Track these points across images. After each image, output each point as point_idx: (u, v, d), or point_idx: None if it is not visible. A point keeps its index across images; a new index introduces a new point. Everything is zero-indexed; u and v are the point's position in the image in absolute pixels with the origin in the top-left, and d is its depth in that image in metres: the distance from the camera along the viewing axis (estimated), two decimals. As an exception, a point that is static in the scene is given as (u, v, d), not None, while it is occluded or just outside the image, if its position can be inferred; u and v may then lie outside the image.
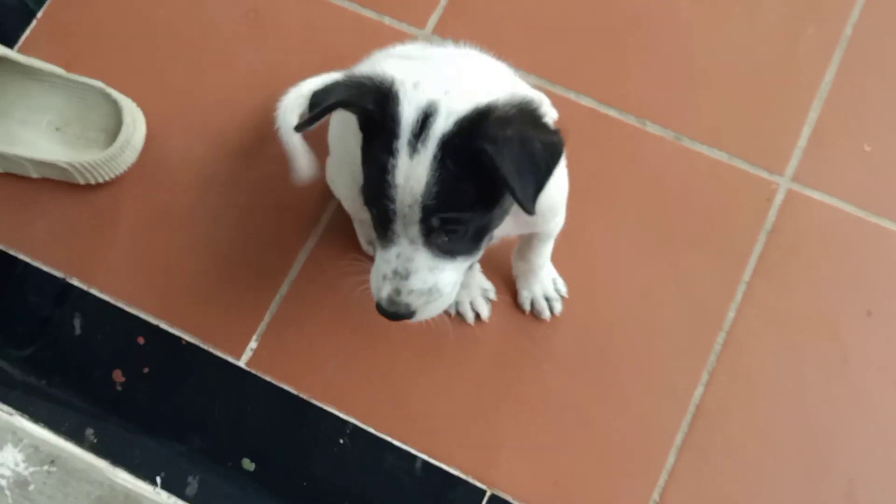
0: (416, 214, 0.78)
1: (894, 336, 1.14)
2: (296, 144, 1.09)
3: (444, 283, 0.84)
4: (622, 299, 1.17)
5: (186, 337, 1.18)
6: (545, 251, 1.12)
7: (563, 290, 1.17)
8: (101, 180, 1.21)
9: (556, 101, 1.25)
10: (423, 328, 1.16)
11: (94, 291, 1.21)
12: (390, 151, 0.77)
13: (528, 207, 0.75)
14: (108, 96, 1.22)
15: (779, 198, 1.21)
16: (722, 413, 1.12)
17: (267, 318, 1.18)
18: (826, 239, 1.19)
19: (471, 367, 1.15)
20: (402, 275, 0.81)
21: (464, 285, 1.14)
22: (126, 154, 1.20)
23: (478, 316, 1.16)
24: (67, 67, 1.28)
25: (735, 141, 1.24)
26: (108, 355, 1.18)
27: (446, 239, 0.81)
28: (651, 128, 1.25)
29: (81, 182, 1.22)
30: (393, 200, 0.78)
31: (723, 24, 1.30)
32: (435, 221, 0.79)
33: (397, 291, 0.82)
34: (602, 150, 1.24)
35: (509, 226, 0.89)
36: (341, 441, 1.13)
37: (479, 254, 0.86)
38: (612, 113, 1.26)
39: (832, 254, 1.18)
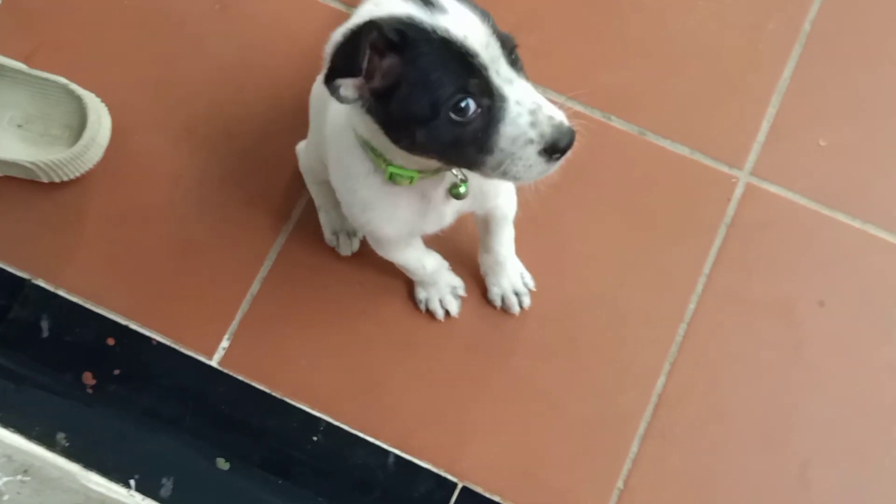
0: (496, 44, 0.78)
1: (844, 324, 1.19)
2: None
3: None
4: (587, 291, 1.20)
5: (157, 337, 1.18)
6: (505, 238, 1.14)
7: (531, 283, 1.19)
8: (65, 178, 1.20)
9: (523, 97, 1.26)
10: (394, 324, 1.19)
11: (61, 292, 1.20)
12: (433, 34, 0.76)
13: None
14: (71, 93, 1.20)
15: (738, 192, 1.25)
16: (683, 401, 1.16)
17: (239, 316, 1.19)
18: (782, 232, 1.23)
19: (441, 361, 1.18)
20: (536, 108, 0.79)
21: (433, 283, 1.17)
22: (91, 152, 1.19)
23: (447, 313, 1.18)
24: (29, 58, 1.26)
25: (697, 136, 1.27)
26: (78, 357, 1.17)
27: (521, 64, 0.81)
28: (616, 122, 1.28)
29: (45, 181, 1.20)
30: (475, 54, 0.77)
31: (687, 20, 1.32)
32: (508, 39, 0.79)
33: (551, 118, 0.79)
34: (568, 144, 1.26)
35: (466, 201, 0.93)
36: (315, 438, 1.15)
37: None
38: (579, 107, 1.28)
39: (788, 246, 1.23)
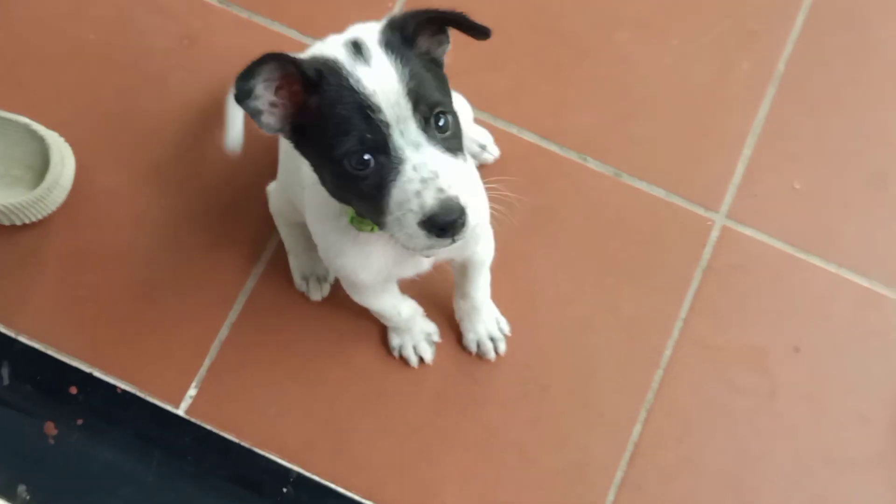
0: (406, 105, 0.78)
1: (819, 371, 1.19)
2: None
3: (470, 174, 0.83)
4: (563, 338, 1.19)
5: (122, 385, 1.15)
6: (482, 283, 1.12)
7: (507, 328, 1.18)
8: (27, 221, 1.16)
9: (499, 136, 1.25)
10: (366, 371, 1.17)
11: (22, 338, 1.17)
12: (345, 81, 0.78)
13: (485, 29, 0.84)
14: (33, 133, 1.16)
15: (714, 235, 1.24)
16: (658, 449, 1.15)
17: (206, 362, 1.16)
18: (757, 276, 1.23)
19: (414, 410, 1.15)
20: (431, 177, 0.78)
21: (407, 329, 1.14)
22: (54, 194, 1.15)
23: (421, 359, 1.16)
24: (-13, 95, 1.22)
25: (673, 178, 1.26)
26: (40, 407, 1.14)
27: (441, 134, 0.80)
28: (592, 164, 1.26)
29: (6, 223, 1.16)
30: (378, 110, 0.77)
31: (661, 60, 1.31)
32: (424, 108, 0.79)
33: (440, 191, 0.77)
34: (544, 185, 1.25)
35: (444, 249, 0.90)
36: (285, 490, 1.12)
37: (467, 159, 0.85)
38: (554, 149, 1.27)
39: (763, 291, 1.22)
